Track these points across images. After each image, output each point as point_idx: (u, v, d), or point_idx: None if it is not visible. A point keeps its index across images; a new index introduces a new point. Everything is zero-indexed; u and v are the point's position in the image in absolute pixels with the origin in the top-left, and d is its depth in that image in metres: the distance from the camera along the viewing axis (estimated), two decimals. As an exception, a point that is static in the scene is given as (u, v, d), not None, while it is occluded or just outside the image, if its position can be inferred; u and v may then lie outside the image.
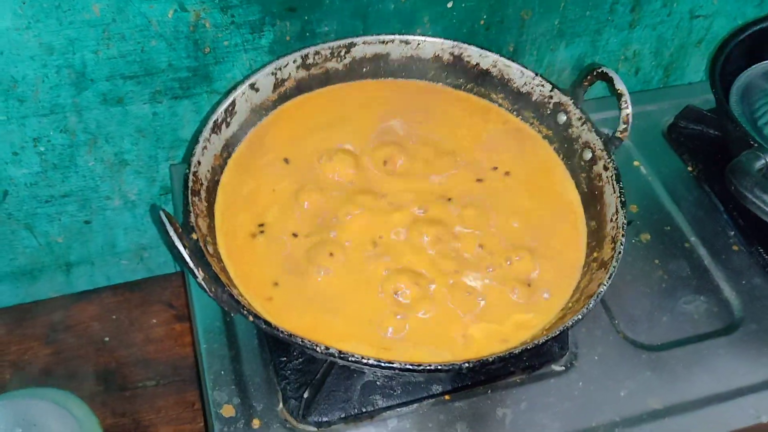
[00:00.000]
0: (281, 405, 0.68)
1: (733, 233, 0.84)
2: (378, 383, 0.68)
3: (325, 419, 0.66)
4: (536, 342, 0.57)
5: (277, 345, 0.70)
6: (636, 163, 0.91)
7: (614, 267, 0.62)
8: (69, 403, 0.76)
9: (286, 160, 0.73)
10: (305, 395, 0.66)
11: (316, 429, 0.67)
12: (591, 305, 0.59)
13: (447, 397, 0.69)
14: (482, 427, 0.68)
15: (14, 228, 0.89)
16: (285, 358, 0.69)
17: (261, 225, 0.68)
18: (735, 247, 0.83)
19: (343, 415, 0.67)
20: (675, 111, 0.95)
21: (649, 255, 0.82)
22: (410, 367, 0.54)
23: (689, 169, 0.90)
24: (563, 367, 0.72)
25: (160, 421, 0.87)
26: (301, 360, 0.69)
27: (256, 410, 0.68)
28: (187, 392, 0.89)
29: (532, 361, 0.71)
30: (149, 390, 0.89)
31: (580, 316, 0.59)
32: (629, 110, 0.70)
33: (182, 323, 0.95)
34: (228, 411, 0.67)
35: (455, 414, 0.68)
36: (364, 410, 0.67)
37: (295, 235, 0.67)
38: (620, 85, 0.70)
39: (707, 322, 0.77)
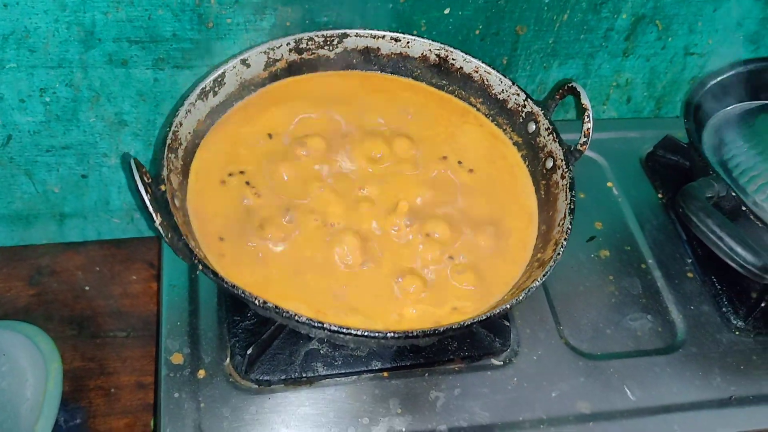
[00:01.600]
0: (228, 360, 0.72)
1: (690, 261, 0.86)
2: (321, 352, 0.72)
3: (266, 378, 0.70)
4: (462, 323, 0.60)
5: (233, 305, 0.75)
6: (609, 184, 0.94)
7: (551, 266, 0.65)
8: (38, 338, 0.81)
9: (270, 135, 0.77)
10: (248, 351, 0.69)
11: (257, 386, 0.70)
12: (521, 297, 0.63)
13: (385, 374, 0.73)
14: (414, 406, 0.71)
15: (14, 172, 0.94)
16: (239, 318, 0.73)
17: (230, 174, 0.71)
18: (690, 274, 0.85)
19: (284, 377, 0.71)
20: (657, 141, 0.98)
21: (605, 270, 0.85)
22: (336, 329, 0.58)
23: (659, 196, 0.93)
24: (502, 362, 0.75)
25: (125, 370, 0.91)
26: (253, 321, 0.73)
27: (204, 362, 0.72)
28: (153, 346, 0.93)
29: (472, 351, 0.74)
30: (119, 340, 0.94)
31: (507, 306, 0.62)
32: (590, 125, 0.73)
33: (158, 283, 0.99)
34: (177, 358, 0.71)
35: (390, 390, 0.72)
36: (304, 375, 0.71)
37: (258, 195, 0.71)
38: (585, 101, 0.73)
39: (649, 340, 0.79)
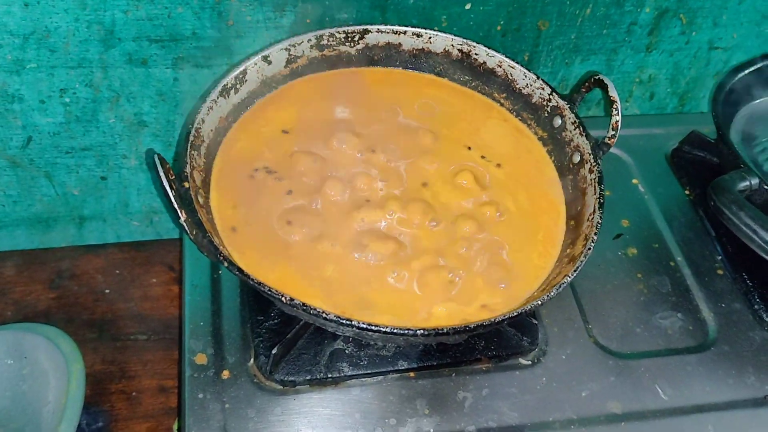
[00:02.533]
0: (252, 361, 0.71)
1: (720, 258, 0.85)
2: (347, 352, 0.71)
3: (290, 378, 0.69)
4: (492, 320, 0.59)
5: (256, 305, 0.74)
6: (635, 181, 0.92)
7: (581, 261, 0.64)
8: (59, 339, 0.80)
9: (287, 132, 0.76)
10: (274, 351, 0.68)
11: (281, 387, 0.69)
12: (552, 294, 0.61)
13: (412, 374, 0.72)
14: (442, 407, 0.70)
15: (34, 174, 0.94)
16: (262, 317, 0.72)
17: (255, 170, 0.71)
18: (720, 271, 0.84)
19: (309, 378, 0.69)
20: (682, 137, 0.96)
21: (633, 268, 0.83)
22: (365, 326, 0.57)
23: (686, 192, 0.92)
24: (530, 362, 0.74)
25: (146, 373, 0.90)
26: (277, 321, 0.72)
27: (228, 362, 0.71)
28: (174, 350, 0.92)
29: (499, 351, 0.73)
30: (140, 343, 0.93)
31: (539, 302, 0.61)
32: (619, 117, 0.72)
33: (179, 286, 0.98)
34: (201, 359, 0.70)
35: (417, 391, 0.70)
36: (329, 376, 0.70)
37: (290, 192, 0.70)
38: (613, 93, 0.72)
39: (680, 338, 0.78)
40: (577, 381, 0.73)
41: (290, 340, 0.69)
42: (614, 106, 0.71)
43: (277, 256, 0.68)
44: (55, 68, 0.82)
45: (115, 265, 1.00)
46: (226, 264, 0.60)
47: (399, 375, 0.71)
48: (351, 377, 0.70)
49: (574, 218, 0.72)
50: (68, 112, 0.87)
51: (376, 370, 0.71)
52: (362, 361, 0.71)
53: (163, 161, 0.59)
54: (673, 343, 0.77)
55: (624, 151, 0.95)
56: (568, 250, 0.69)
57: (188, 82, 0.87)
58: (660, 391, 0.73)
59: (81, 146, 0.92)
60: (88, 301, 0.96)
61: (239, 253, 0.67)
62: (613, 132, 0.72)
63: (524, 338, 0.73)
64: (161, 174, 0.58)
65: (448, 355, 0.72)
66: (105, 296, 0.97)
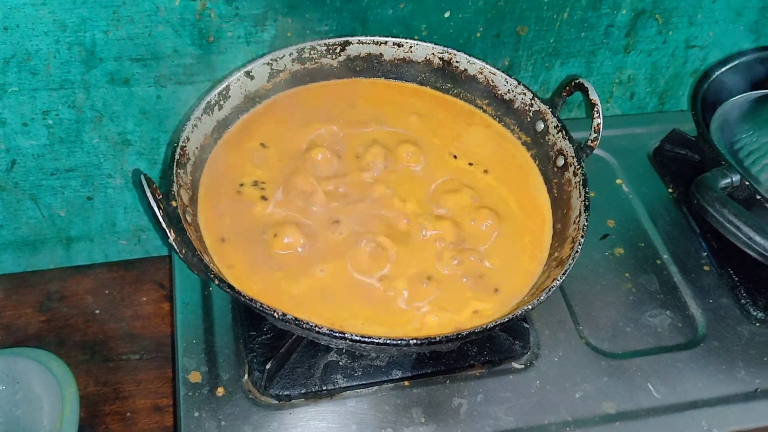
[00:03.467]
0: (246, 376, 0.71)
1: (705, 254, 0.86)
2: (340, 363, 0.71)
3: (286, 393, 0.69)
4: (484, 326, 0.59)
5: (248, 320, 0.74)
6: (619, 181, 0.93)
7: (569, 264, 0.64)
8: (51, 363, 0.80)
9: (268, 146, 0.76)
10: (267, 366, 0.68)
11: (276, 402, 0.69)
12: (542, 298, 0.62)
13: (406, 383, 0.72)
14: (437, 414, 0.70)
15: (20, 198, 0.93)
16: (255, 333, 0.72)
17: (241, 185, 0.71)
18: (706, 268, 0.84)
19: (303, 391, 0.69)
20: (663, 135, 0.97)
21: (621, 268, 0.84)
22: (358, 338, 0.57)
23: (670, 190, 0.93)
24: (523, 366, 0.74)
25: (140, 393, 0.90)
26: (270, 335, 0.72)
27: (222, 379, 0.71)
28: (167, 368, 0.92)
29: (492, 356, 0.74)
30: (132, 363, 0.92)
31: (529, 307, 0.61)
32: (600, 120, 0.72)
33: (170, 303, 0.98)
34: (195, 377, 0.70)
35: (412, 399, 0.71)
36: (324, 388, 0.70)
37: (275, 204, 0.71)
38: (594, 96, 0.73)
39: (670, 335, 0.79)
40: (571, 383, 0.74)
41: (284, 355, 0.70)
42: (595, 109, 0.72)
43: (266, 267, 0.68)
44: (37, 91, 0.82)
45: (105, 285, 1.00)
46: (216, 281, 0.60)
47: (393, 384, 0.72)
48: (346, 389, 0.71)
49: (560, 221, 0.72)
50: (52, 134, 0.87)
51: (371, 381, 0.71)
52: (356, 372, 0.71)
53: (149, 181, 0.60)
54: (664, 341, 0.78)
55: (607, 152, 0.96)
56: (556, 254, 0.69)
57: (171, 99, 0.87)
58: (652, 389, 0.74)
59: (66, 167, 0.91)
60: (78, 322, 0.96)
61: (228, 266, 0.67)
62: (596, 134, 0.73)
63: (516, 342, 0.74)
64: (148, 194, 0.58)
65: (441, 363, 0.72)
66: (95, 317, 0.96)
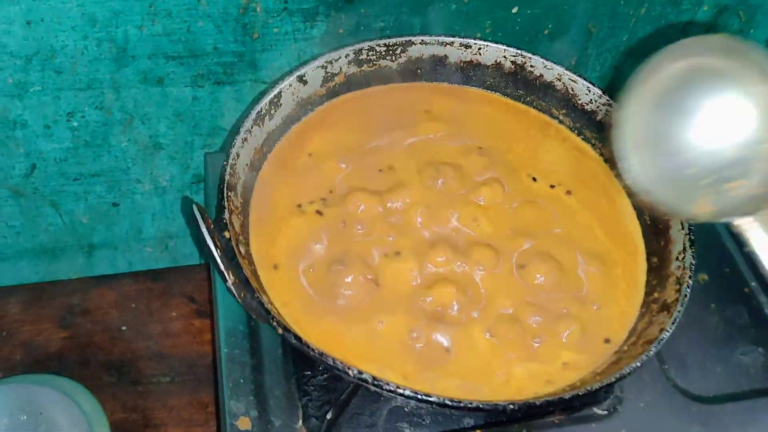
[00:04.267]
0: (301, 422, 0.63)
1: (798, 281, 0.78)
2: (406, 410, 0.64)
3: (346, 443, 0.62)
4: (588, 388, 0.52)
5: (302, 357, 0.66)
6: (696, 195, 0.85)
7: (679, 312, 0.57)
8: (78, 395, 0.73)
9: (321, 164, 0.68)
10: (328, 416, 0.61)
11: (336, 452, 0.62)
12: (651, 352, 0.54)
13: (478, 431, 0.64)
14: (514, 468, 0.63)
15: (39, 204, 0.85)
16: (309, 373, 0.65)
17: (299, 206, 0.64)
18: (798, 297, 0.77)
19: (366, 440, 0.62)
20: (742, 144, 0.89)
21: (706, 298, 0.76)
22: (449, 402, 0.49)
23: (755, 208, 0.84)
24: (606, 412, 0.67)
25: (172, 421, 0.83)
26: (326, 376, 0.65)
27: (274, 425, 0.63)
28: (201, 393, 0.85)
29: (573, 401, 0.66)
30: (163, 386, 0.85)
31: (638, 364, 0.53)
32: (706, 141, 0.64)
33: (202, 319, 0.91)
34: (244, 424, 0.63)
35: (486, 450, 0.63)
36: (388, 437, 0.63)
37: (331, 232, 0.63)
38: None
39: (765, 376, 0.71)
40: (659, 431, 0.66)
41: (344, 401, 0.62)
42: (701, 129, 0.64)
43: (325, 305, 0.60)
44: (62, 91, 0.74)
45: (131, 298, 0.92)
46: (280, 330, 0.52)
47: (464, 433, 0.64)
48: (412, 438, 0.63)
49: (657, 254, 0.64)
50: (76, 137, 0.79)
51: (440, 429, 0.63)
52: (424, 420, 0.64)
53: (203, 214, 0.51)
54: (758, 383, 0.70)
55: (681, 162, 0.87)
56: (656, 294, 0.61)
57: (208, 100, 0.79)
58: (750, 440, 0.66)
59: (90, 172, 0.83)
60: (103, 340, 0.88)
61: (283, 305, 0.59)
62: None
63: (603, 388, 0.66)
64: (204, 232, 0.50)
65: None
66: (121, 334, 0.89)
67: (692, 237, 0.61)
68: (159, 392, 0.84)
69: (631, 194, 0.70)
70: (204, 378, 0.86)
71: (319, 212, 0.65)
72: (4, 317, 0.88)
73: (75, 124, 0.78)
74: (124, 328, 0.89)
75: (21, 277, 0.93)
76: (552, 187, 0.69)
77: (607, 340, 0.61)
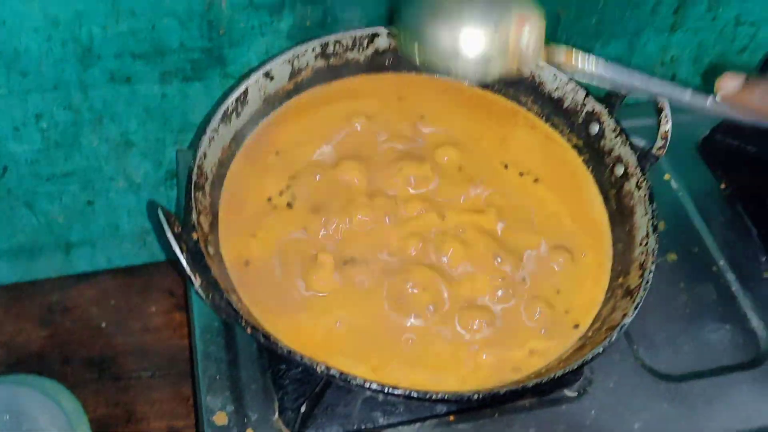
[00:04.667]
0: (277, 415, 0.65)
1: (764, 259, 0.79)
2: (379, 399, 0.65)
3: (321, 433, 0.63)
4: (552, 375, 0.53)
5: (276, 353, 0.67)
6: (666, 176, 0.86)
7: (641, 297, 0.58)
8: (60, 395, 0.74)
9: (290, 157, 0.69)
10: (303, 408, 0.62)
11: (312, 443, 0.63)
12: (613, 338, 0.55)
13: (451, 417, 0.66)
14: (487, 452, 0.64)
15: (13, 204, 0.85)
16: (284, 367, 0.66)
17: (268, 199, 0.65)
18: (766, 274, 0.78)
19: (341, 431, 0.63)
20: (711, 123, 0.90)
21: (675, 277, 0.77)
22: (416, 395, 0.50)
23: (722, 186, 0.86)
24: (576, 393, 0.68)
25: (154, 415, 0.84)
26: (300, 369, 0.66)
27: (251, 419, 0.64)
28: (182, 386, 0.86)
29: (542, 384, 0.67)
30: (144, 381, 0.86)
31: (600, 350, 0.55)
32: (669, 126, 0.65)
33: (182, 313, 0.91)
34: (221, 419, 0.64)
35: (459, 436, 0.65)
36: (363, 427, 0.64)
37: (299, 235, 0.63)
38: (661, 99, 0.65)
39: (731, 353, 0.73)
40: (629, 411, 0.68)
41: (318, 393, 0.63)
42: (663, 114, 0.65)
43: (294, 304, 0.61)
44: (29, 93, 0.74)
45: (110, 295, 0.93)
46: (249, 330, 0.53)
47: (437, 420, 0.65)
48: (387, 426, 0.64)
49: (622, 240, 0.65)
50: (46, 138, 0.79)
51: (413, 417, 0.65)
52: (397, 408, 0.65)
53: (169, 217, 0.52)
54: (725, 360, 0.72)
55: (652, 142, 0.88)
56: (620, 280, 0.63)
57: (177, 96, 0.79)
58: (717, 415, 0.68)
59: (63, 172, 0.83)
60: (84, 337, 0.89)
61: (254, 303, 0.60)
62: (663, 141, 0.65)
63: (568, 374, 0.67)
64: (169, 236, 0.50)
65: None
66: (102, 330, 0.90)
67: (655, 223, 0.62)
68: (140, 387, 0.85)
69: (598, 182, 0.71)
70: (185, 371, 0.87)
71: (289, 205, 0.65)
72: (-17, 319, 0.89)
73: (44, 125, 0.77)
74: (104, 324, 0.90)
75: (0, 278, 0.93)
76: (521, 174, 0.69)
77: (576, 326, 0.62)
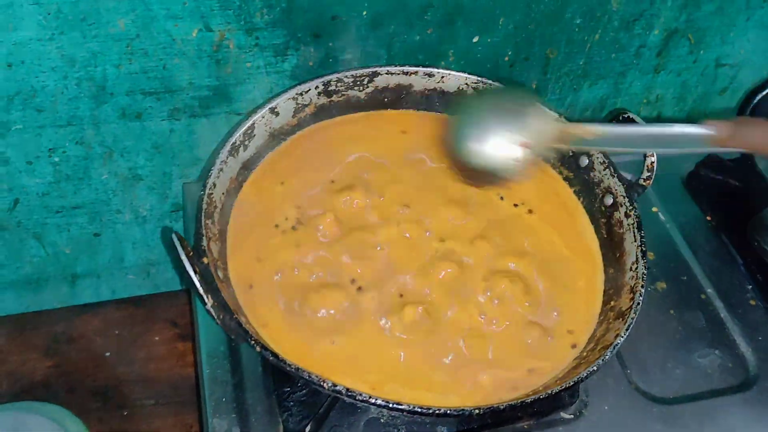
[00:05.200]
0: (281, 437, 0.66)
1: (750, 287, 0.82)
2: (382, 421, 0.67)
3: (325, 455, 0.65)
4: (549, 392, 0.55)
5: (281, 374, 0.69)
6: (654, 209, 0.89)
7: (632, 319, 0.61)
8: (66, 420, 0.75)
9: (295, 187, 0.72)
10: (307, 429, 0.64)
11: (316, 464, 0.65)
12: (607, 357, 0.58)
13: (451, 439, 0.68)
14: (486, 474, 0.66)
15: (23, 236, 0.88)
16: (288, 389, 0.68)
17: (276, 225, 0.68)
18: (752, 302, 0.81)
19: (344, 452, 0.65)
20: (696, 159, 0.94)
21: (665, 305, 0.80)
22: (419, 410, 0.53)
23: (708, 218, 0.89)
24: (572, 416, 0.70)
25: (157, 442, 0.85)
26: (305, 391, 0.68)
27: (256, 441, 0.66)
28: (185, 414, 0.87)
29: (540, 407, 0.69)
30: (147, 409, 0.87)
31: (595, 368, 0.57)
32: (654, 158, 0.69)
33: (185, 342, 0.93)
34: (227, 440, 0.66)
35: (459, 457, 0.67)
36: (366, 448, 0.66)
37: (298, 268, 0.66)
38: (646, 132, 0.69)
39: (721, 377, 0.75)
40: (623, 433, 0.70)
41: (322, 414, 0.65)
42: (648, 147, 0.68)
43: (301, 323, 0.63)
44: (43, 128, 0.77)
45: (114, 325, 0.95)
46: (258, 348, 0.55)
47: (438, 441, 0.67)
48: (388, 448, 0.66)
49: (613, 266, 0.68)
50: (58, 172, 0.82)
51: (415, 439, 0.67)
52: (399, 429, 0.67)
53: (183, 242, 0.55)
54: (715, 384, 0.74)
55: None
56: (612, 303, 0.65)
57: (185, 132, 0.83)
58: (708, 438, 0.70)
59: (72, 205, 0.86)
60: (88, 366, 0.90)
61: (262, 326, 0.62)
62: (648, 173, 0.69)
63: (564, 391, 0.70)
64: (183, 259, 0.53)
65: (488, 417, 0.68)
66: (106, 360, 0.91)
67: (644, 249, 0.65)
68: (144, 415, 0.87)
69: (589, 211, 0.74)
70: (187, 400, 0.88)
71: (294, 229, 0.68)
72: (-11, 348, 0.91)
73: (56, 159, 0.80)
74: (108, 354, 0.91)
75: (5, 309, 0.95)
76: (516, 206, 0.73)
77: (573, 346, 0.65)
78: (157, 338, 0.94)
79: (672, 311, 0.80)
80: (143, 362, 0.91)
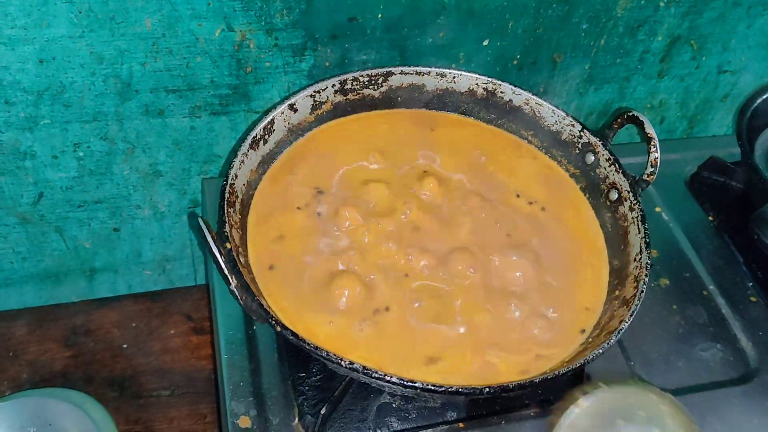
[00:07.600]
0: (297, 420, 0.69)
1: (751, 284, 0.85)
2: (394, 405, 0.69)
3: (339, 437, 0.67)
4: (556, 373, 0.57)
5: (296, 360, 0.71)
6: (658, 209, 0.92)
7: (636, 305, 0.63)
8: (87, 405, 0.77)
9: (318, 187, 0.75)
10: (322, 411, 0.66)
11: (329, 446, 0.67)
12: (612, 341, 0.60)
13: (461, 425, 0.70)
14: (494, 457, 0.68)
15: (45, 230, 0.91)
16: (304, 374, 0.70)
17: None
18: (753, 298, 0.83)
19: (357, 435, 0.67)
20: (698, 161, 0.97)
21: (668, 300, 0.82)
22: (432, 387, 0.55)
23: (710, 218, 0.92)
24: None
25: (172, 431, 0.87)
26: (319, 377, 0.70)
27: (272, 423, 0.68)
28: (200, 404, 0.90)
29: (547, 395, 0.72)
30: (163, 399, 0.90)
31: (600, 351, 0.60)
32: (657, 154, 0.71)
33: (199, 336, 0.96)
34: (244, 422, 0.68)
35: (468, 442, 0.69)
36: (378, 431, 0.68)
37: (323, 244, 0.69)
38: (650, 130, 0.72)
39: (722, 370, 0.77)
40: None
41: (337, 398, 0.67)
42: (652, 143, 0.71)
43: (319, 308, 0.66)
44: (70, 123, 0.80)
45: (131, 318, 0.97)
46: (279, 328, 0.58)
47: (448, 426, 0.70)
48: (400, 431, 0.68)
49: (618, 258, 0.71)
50: (81, 166, 0.85)
51: (425, 423, 0.69)
52: (410, 414, 0.69)
53: (208, 225, 0.57)
54: (716, 376, 0.77)
55: (643, 179, 0.95)
56: (617, 292, 0.68)
57: (205, 129, 0.86)
58: (710, 427, 0.72)
59: (94, 199, 0.89)
60: (106, 357, 0.93)
61: (280, 310, 0.65)
62: (652, 169, 0.71)
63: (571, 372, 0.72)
64: (210, 241, 0.56)
65: (496, 403, 0.70)
66: (123, 351, 0.94)
67: (647, 240, 0.68)
68: (160, 405, 0.89)
69: (594, 206, 0.77)
70: (202, 390, 0.91)
71: (318, 214, 0.71)
72: (10, 339, 0.93)
73: (81, 154, 0.83)
74: (125, 346, 0.94)
75: (26, 301, 0.98)
76: (530, 203, 0.76)
77: (582, 331, 0.67)
78: (172, 331, 0.96)
79: (675, 307, 0.82)
80: (159, 354, 0.94)
